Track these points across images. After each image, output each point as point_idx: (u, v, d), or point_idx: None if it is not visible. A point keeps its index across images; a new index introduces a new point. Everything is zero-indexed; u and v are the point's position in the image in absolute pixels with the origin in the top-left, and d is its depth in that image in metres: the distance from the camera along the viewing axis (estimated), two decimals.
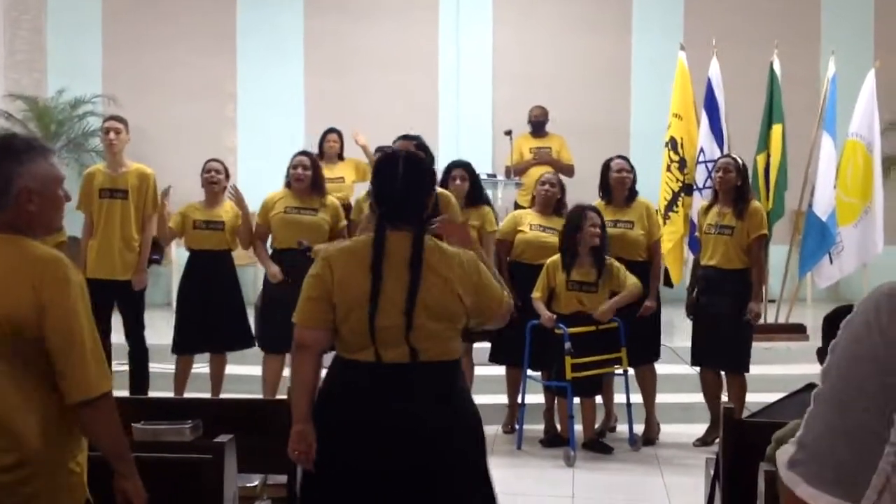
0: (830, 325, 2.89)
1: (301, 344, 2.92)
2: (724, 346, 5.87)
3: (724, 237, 5.89)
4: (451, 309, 2.89)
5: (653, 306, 6.01)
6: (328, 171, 7.66)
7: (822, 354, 2.91)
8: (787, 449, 1.50)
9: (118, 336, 6.35)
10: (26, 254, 2.30)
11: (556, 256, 5.86)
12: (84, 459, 2.39)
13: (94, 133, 9.40)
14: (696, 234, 6.36)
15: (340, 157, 8.30)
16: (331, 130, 8.28)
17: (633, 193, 6.18)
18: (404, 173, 2.95)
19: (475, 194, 6.07)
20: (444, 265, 2.89)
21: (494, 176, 8.84)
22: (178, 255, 8.03)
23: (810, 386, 3.72)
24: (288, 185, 6.15)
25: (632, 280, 5.79)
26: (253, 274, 8.51)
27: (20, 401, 2.26)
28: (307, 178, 6.06)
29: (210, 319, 6.12)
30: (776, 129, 7.63)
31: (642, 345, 6.03)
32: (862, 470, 1.39)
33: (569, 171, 8.98)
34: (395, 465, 2.82)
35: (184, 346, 6.25)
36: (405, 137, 4.85)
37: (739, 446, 3.33)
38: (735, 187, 5.92)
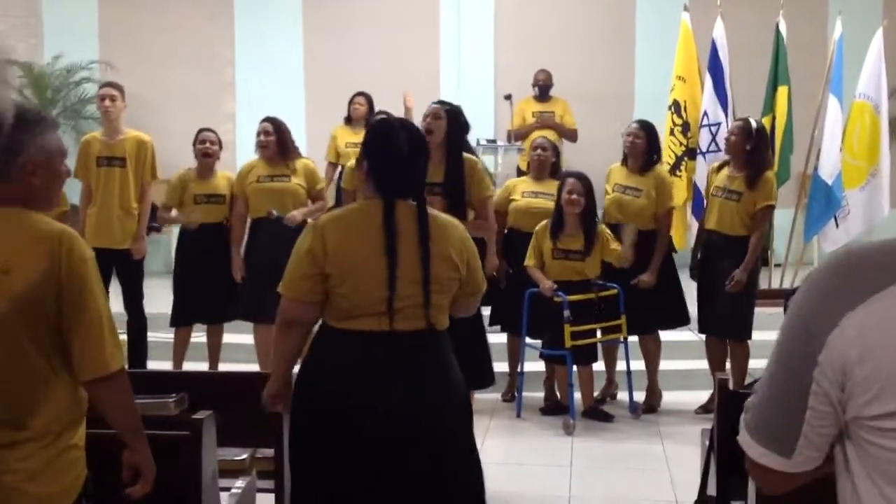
0: None
1: (290, 319, 2.87)
2: (725, 314, 5.76)
3: (730, 202, 5.76)
4: (451, 278, 2.89)
5: (650, 281, 5.87)
6: (355, 136, 7.56)
7: None
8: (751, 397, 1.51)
9: (117, 305, 6.29)
10: (39, 229, 2.25)
11: (545, 222, 5.78)
12: (83, 434, 2.37)
13: (90, 100, 9.28)
14: (703, 192, 6.24)
15: (369, 121, 8.00)
16: (359, 93, 8.12)
17: (650, 160, 6.04)
18: (408, 145, 2.90)
19: None
20: (443, 235, 2.89)
21: (494, 141, 8.72)
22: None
23: None
24: (258, 154, 6.13)
25: (615, 249, 5.70)
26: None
27: (32, 378, 2.23)
28: (271, 145, 6.01)
29: (207, 291, 6.08)
30: (781, 92, 7.48)
31: (656, 311, 5.94)
32: (788, 428, 1.40)
33: (572, 135, 8.86)
34: (400, 431, 2.80)
35: (181, 319, 6.21)
36: (440, 103, 4.78)
37: (734, 416, 3.24)
38: (744, 151, 5.73)
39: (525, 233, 5.94)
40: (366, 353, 2.81)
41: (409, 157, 2.89)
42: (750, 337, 5.82)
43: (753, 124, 5.83)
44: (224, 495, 3.12)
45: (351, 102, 8.11)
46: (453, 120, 4.57)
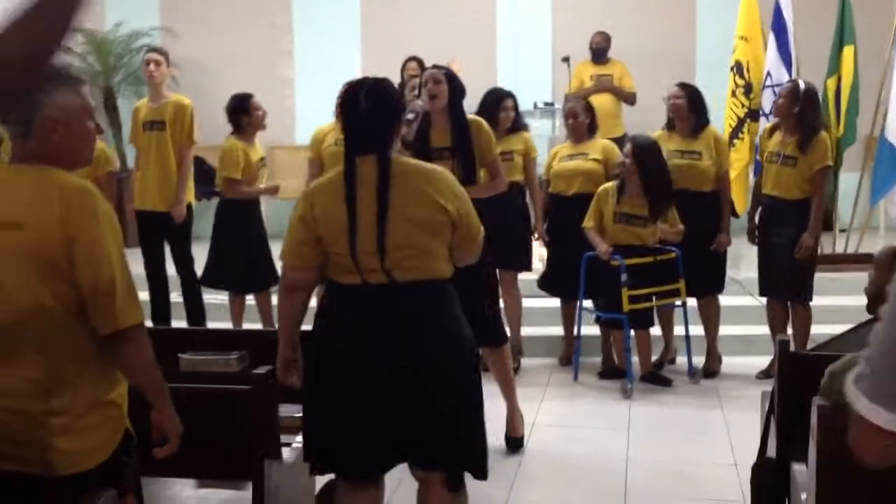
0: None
1: (291, 285, 3.03)
2: (786, 277, 5.69)
3: (786, 168, 5.66)
4: (434, 219, 2.92)
5: (727, 241, 5.89)
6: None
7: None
8: (859, 365, 1.46)
9: (171, 268, 6.40)
10: (52, 184, 2.25)
11: (607, 185, 5.75)
12: (124, 391, 2.38)
13: None
14: (757, 156, 6.15)
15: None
16: (411, 58, 8.12)
17: (700, 122, 5.96)
18: (366, 103, 2.96)
19: (517, 122, 6.07)
20: (418, 179, 2.94)
21: (552, 104, 8.65)
22: None
23: (878, 317, 3.57)
24: (338, 116, 6.12)
25: (677, 222, 5.68)
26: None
27: (59, 335, 2.24)
28: None
29: (251, 261, 6.15)
30: (847, 51, 7.29)
31: (708, 276, 5.92)
32: None
33: (630, 98, 8.75)
34: (390, 384, 2.86)
35: (238, 287, 6.30)
36: (436, 67, 4.79)
37: (795, 380, 3.21)
38: (793, 115, 5.63)
39: (563, 196, 6.03)
40: (364, 306, 2.91)
41: (367, 113, 2.95)
42: (811, 299, 5.75)
43: (802, 86, 5.71)
44: (285, 450, 3.17)
45: (403, 68, 8.11)
46: (453, 83, 4.54)
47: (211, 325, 6.39)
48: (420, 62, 8.04)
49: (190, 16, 9.90)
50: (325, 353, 2.95)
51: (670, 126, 6.03)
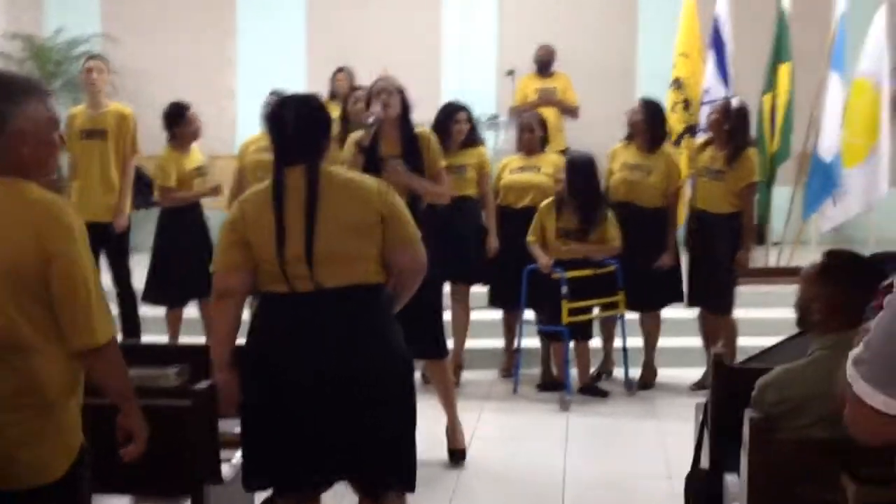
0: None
1: (224, 291, 2.99)
2: (713, 288, 5.84)
3: (716, 183, 5.82)
4: (363, 220, 2.95)
5: (669, 261, 5.95)
6: (335, 110, 7.52)
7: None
8: (857, 349, 1.55)
9: (107, 280, 6.30)
10: (25, 198, 2.22)
11: (549, 200, 5.82)
12: (79, 403, 2.37)
13: None
14: (691, 168, 6.30)
15: (350, 95, 7.92)
16: (340, 69, 8.09)
17: (656, 138, 6.05)
18: (294, 116, 3.02)
19: (472, 136, 6.08)
20: (344, 185, 2.99)
21: (497, 117, 8.70)
22: None
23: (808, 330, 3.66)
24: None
25: (613, 239, 5.75)
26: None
27: (20, 346, 2.21)
28: None
29: (194, 268, 6.02)
30: (784, 69, 7.47)
31: (655, 290, 6.00)
32: None
33: (573, 111, 8.83)
34: (315, 393, 2.87)
35: (175, 299, 6.22)
36: (382, 78, 4.81)
37: (729, 392, 3.29)
38: (725, 131, 5.80)
39: (513, 209, 6.07)
40: (292, 315, 2.92)
41: (294, 127, 3.01)
42: (730, 311, 5.89)
43: (734, 104, 5.90)
44: (224, 466, 3.15)
45: (333, 78, 8.09)
46: (403, 96, 4.58)
47: (146, 338, 6.31)
48: (348, 72, 8.02)
49: (131, 23, 9.79)
50: (257, 364, 2.95)
51: (630, 138, 6.12)
